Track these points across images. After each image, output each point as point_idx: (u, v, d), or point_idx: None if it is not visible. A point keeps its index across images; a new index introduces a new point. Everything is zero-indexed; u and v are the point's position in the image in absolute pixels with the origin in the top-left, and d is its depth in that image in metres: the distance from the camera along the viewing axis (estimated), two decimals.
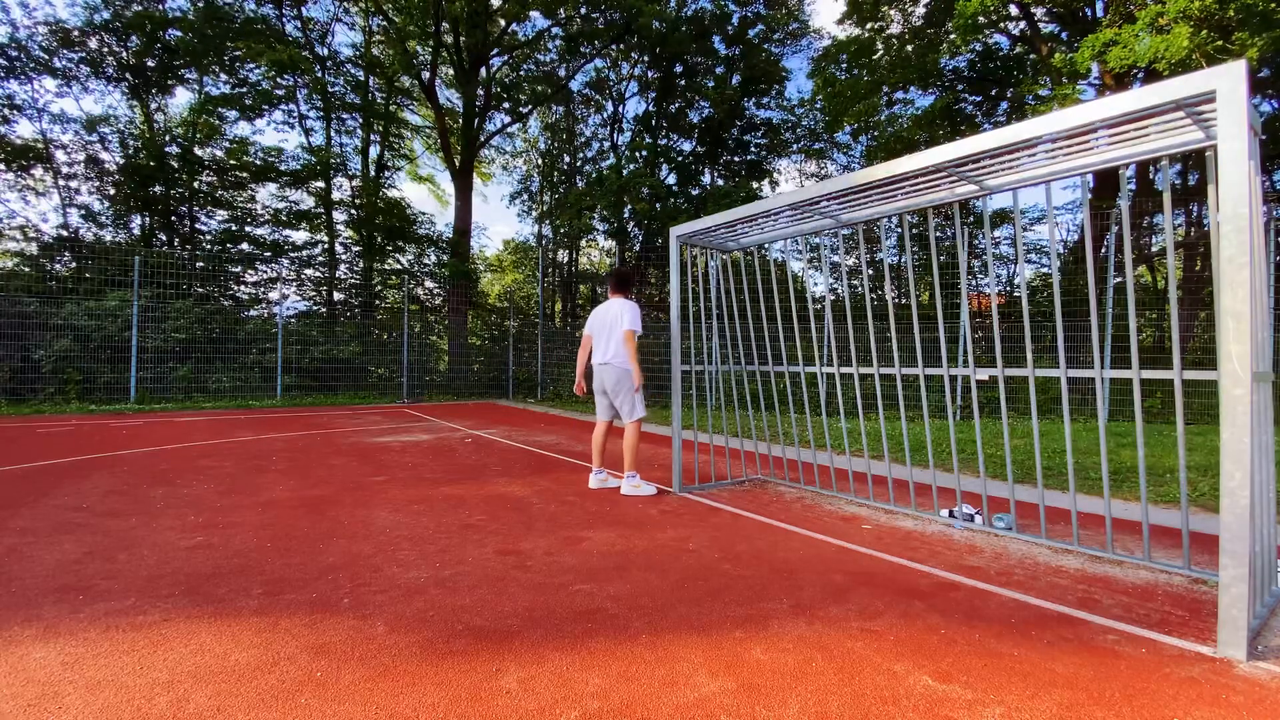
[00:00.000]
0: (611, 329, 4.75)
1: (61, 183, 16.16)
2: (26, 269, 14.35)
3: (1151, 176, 15.07)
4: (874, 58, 16.66)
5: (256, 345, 13.78)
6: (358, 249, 19.70)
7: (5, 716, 1.72)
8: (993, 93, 17.08)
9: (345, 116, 19.47)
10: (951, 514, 3.94)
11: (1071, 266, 14.02)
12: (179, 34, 16.02)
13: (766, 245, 5.34)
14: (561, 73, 20.57)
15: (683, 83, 20.27)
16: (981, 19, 12.60)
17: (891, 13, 16.33)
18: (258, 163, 17.82)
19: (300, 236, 19.26)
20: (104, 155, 16.34)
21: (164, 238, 17.28)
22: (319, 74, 18.22)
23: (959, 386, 10.54)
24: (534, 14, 18.81)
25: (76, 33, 15.36)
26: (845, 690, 1.89)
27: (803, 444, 6.57)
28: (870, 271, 18.34)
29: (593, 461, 4.90)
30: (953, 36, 13.19)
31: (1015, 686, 1.93)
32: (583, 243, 23.43)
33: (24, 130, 16.05)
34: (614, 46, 19.74)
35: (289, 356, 13.59)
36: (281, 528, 3.67)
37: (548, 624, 2.35)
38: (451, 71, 19.48)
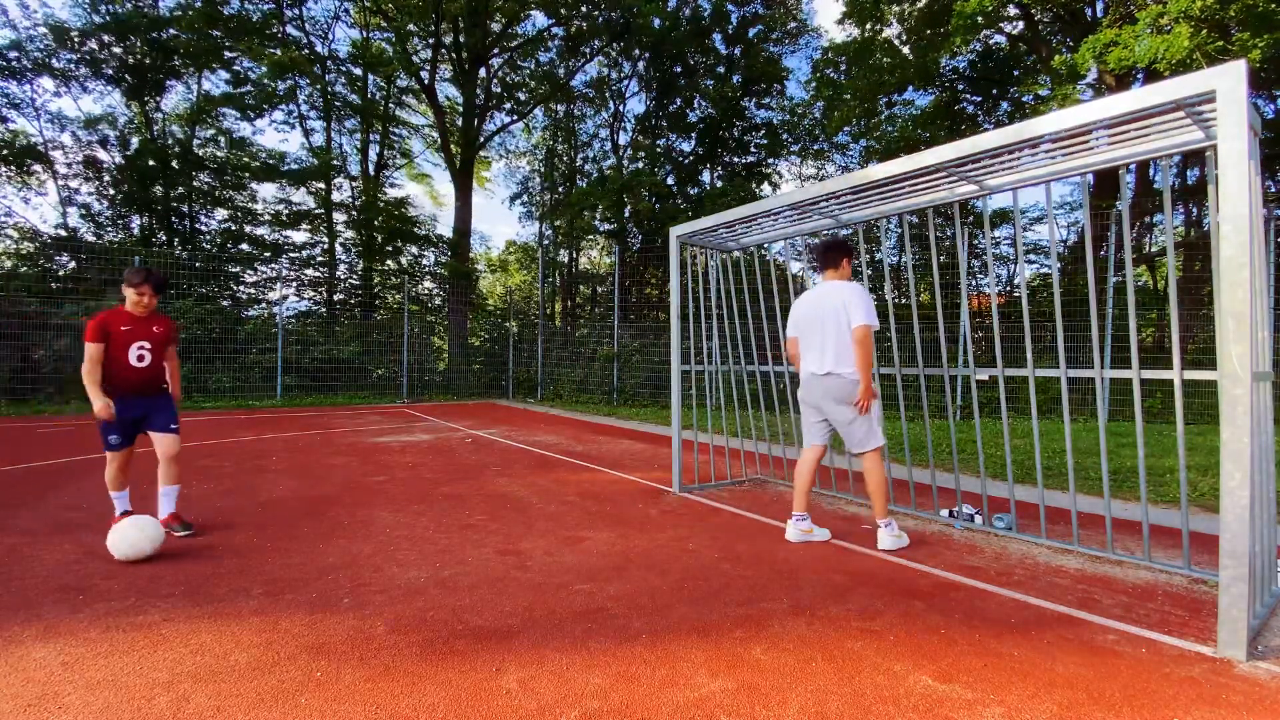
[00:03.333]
0: (828, 324, 3.45)
1: (61, 182, 16.16)
2: (26, 269, 14.34)
3: (1151, 176, 15.07)
4: (873, 60, 16.66)
5: (256, 345, 13.78)
6: (357, 249, 19.70)
7: (5, 716, 1.72)
8: (993, 93, 17.08)
9: (345, 116, 19.47)
10: (951, 514, 3.94)
11: (1071, 266, 14.02)
12: (178, 34, 16.00)
13: (766, 245, 5.34)
14: (561, 72, 20.58)
15: (683, 82, 20.27)
16: (980, 19, 12.59)
17: (890, 12, 16.32)
18: (257, 163, 17.81)
19: (300, 237, 19.29)
20: (103, 155, 16.35)
21: (164, 238, 17.28)
22: (319, 74, 18.22)
23: (959, 386, 10.54)
24: (534, 13, 18.81)
25: (76, 33, 15.35)
26: (845, 690, 1.89)
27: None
28: (870, 271, 18.33)
29: (794, 504, 3.60)
30: (953, 37, 13.17)
31: (1015, 686, 1.93)
32: (583, 243, 23.42)
33: (23, 130, 15.91)
34: (614, 45, 19.74)
35: (289, 356, 13.59)
36: (281, 528, 3.67)
37: (548, 624, 2.35)
38: (451, 71, 19.48)
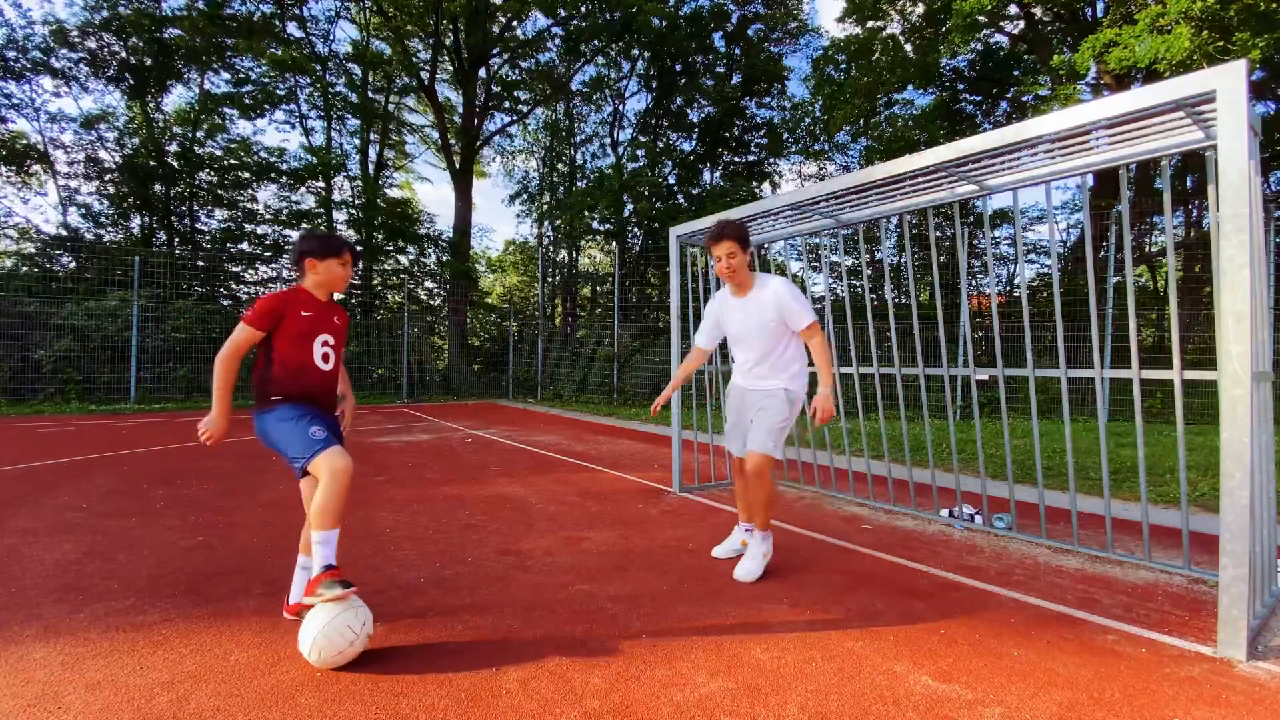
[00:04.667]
0: (759, 325, 3.02)
1: (61, 182, 16.17)
2: (26, 269, 14.33)
3: (1152, 174, 15.07)
4: (873, 58, 16.68)
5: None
6: (358, 249, 19.69)
7: (5, 716, 1.72)
8: (993, 92, 17.09)
9: (346, 116, 19.47)
10: (951, 514, 3.94)
11: (1071, 266, 14.02)
12: (179, 33, 16.01)
13: (766, 245, 5.34)
14: (561, 71, 20.58)
15: (683, 81, 20.28)
16: (980, 18, 12.60)
17: (891, 12, 16.34)
18: (258, 162, 17.82)
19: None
20: (103, 154, 16.35)
21: (164, 237, 17.28)
22: (320, 73, 18.22)
23: (959, 386, 10.54)
24: (534, 13, 18.82)
25: (75, 32, 15.35)
26: (845, 690, 1.89)
27: (803, 444, 6.57)
28: (870, 271, 18.34)
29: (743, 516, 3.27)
30: (952, 35, 13.18)
31: (1015, 686, 1.93)
32: (583, 243, 23.43)
33: (23, 129, 15.92)
34: (613, 45, 19.75)
35: None
36: (281, 528, 3.67)
37: (548, 624, 2.35)
38: (452, 71, 19.49)
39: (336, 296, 2.59)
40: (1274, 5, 8.74)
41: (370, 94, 19.42)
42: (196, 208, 17.78)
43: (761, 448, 2.91)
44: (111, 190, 16.60)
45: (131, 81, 16.20)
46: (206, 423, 2.18)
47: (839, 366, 4.33)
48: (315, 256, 2.39)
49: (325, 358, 2.43)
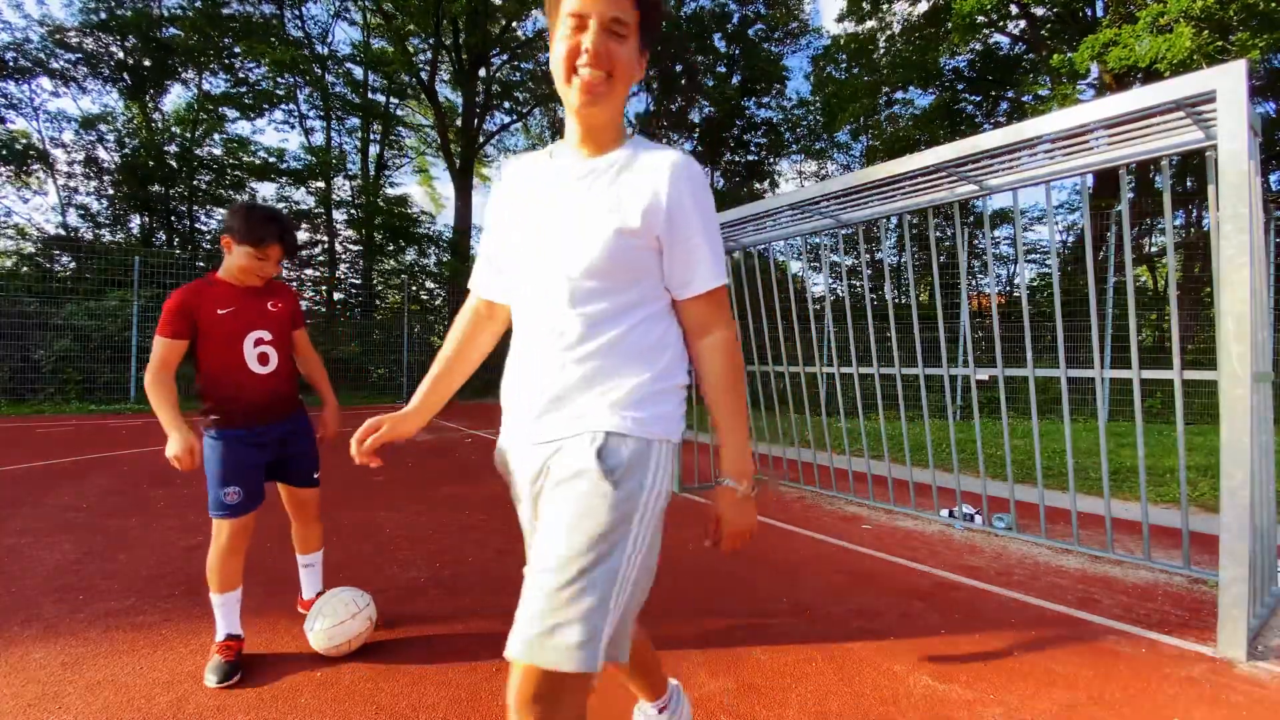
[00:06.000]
0: (603, 224, 1.07)
1: (61, 182, 16.16)
2: (26, 269, 14.33)
3: (1151, 176, 15.07)
4: (873, 57, 16.68)
5: None
6: (358, 249, 19.69)
7: (5, 716, 1.72)
8: (993, 93, 17.08)
9: (346, 115, 19.46)
10: (951, 514, 3.94)
11: (1072, 266, 14.02)
12: (177, 33, 16.01)
13: (766, 245, 5.34)
14: None
15: (683, 81, 20.29)
16: (980, 18, 12.60)
17: (892, 10, 16.34)
18: (257, 162, 17.82)
19: (300, 236, 19.26)
20: (102, 154, 16.34)
21: (163, 237, 17.28)
22: (319, 73, 18.22)
23: (959, 386, 10.54)
24: (535, 12, 18.81)
25: (74, 32, 15.34)
26: (845, 690, 1.89)
27: (803, 444, 6.56)
28: (870, 271, 18.32)
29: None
30: (952, 35, 13.19)
31: (1015, 686, 1.93)
32: None
33: (23, 129, 15.91)
34: None
35: None
36: (281, 528, 3.66)
37: None
38: (452, 71, 19.50)
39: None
40: (1274, 5, 8.74)
41: (370, 94, 19.42)
42: (196, 208, 17.77)
43: (551, 651, 0.96)
44: (111, 190, 16.60)
45: (129, 81, 16.19)
46: (169, 449, 1.92)
47: (838, 366, 4.31)
48: (232, 235, 2.02)
49: (262, 359, 2.05)
